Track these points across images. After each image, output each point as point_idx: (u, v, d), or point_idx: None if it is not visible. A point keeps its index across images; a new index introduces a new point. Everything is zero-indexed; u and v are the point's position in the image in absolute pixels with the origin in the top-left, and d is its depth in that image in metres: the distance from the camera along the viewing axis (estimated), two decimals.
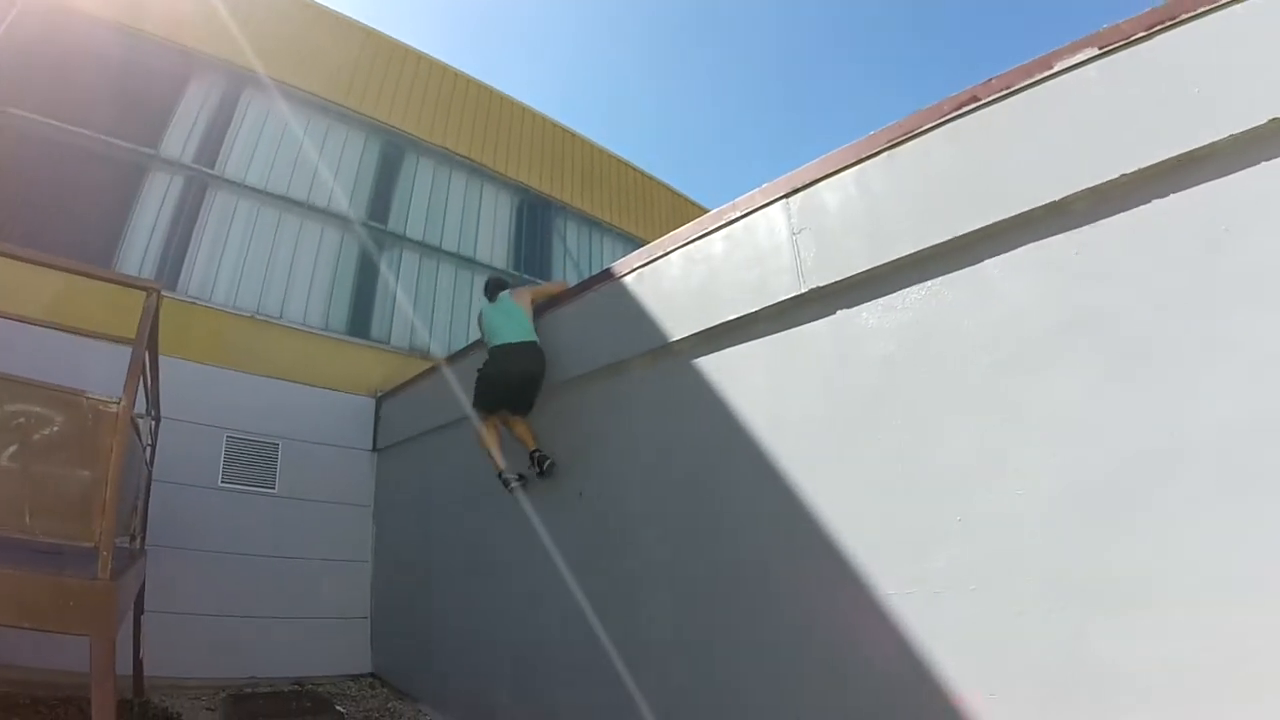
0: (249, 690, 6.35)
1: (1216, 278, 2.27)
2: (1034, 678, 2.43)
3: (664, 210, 13.72)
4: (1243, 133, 2.22)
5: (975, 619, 2.61)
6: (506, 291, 5.46)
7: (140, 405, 4.08)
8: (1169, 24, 2.41)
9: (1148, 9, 2.48)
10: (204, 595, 6.59)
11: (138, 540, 4.73)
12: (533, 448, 4.99)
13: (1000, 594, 2.56)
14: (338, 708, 6.07)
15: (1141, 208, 2.44)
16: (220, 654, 6.53)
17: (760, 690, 3.31)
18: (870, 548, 2.99)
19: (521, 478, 5.09)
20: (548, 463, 4.88)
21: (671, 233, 4.28)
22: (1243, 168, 2.24)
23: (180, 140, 8.10)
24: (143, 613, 5.34)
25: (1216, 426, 2.19)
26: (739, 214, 3.83)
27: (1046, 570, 2.47)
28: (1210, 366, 2.24)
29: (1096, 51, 2.56)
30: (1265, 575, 2.03)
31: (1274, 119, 2.16)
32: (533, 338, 5.10)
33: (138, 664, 5.35)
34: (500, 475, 5.12)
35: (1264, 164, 2.20)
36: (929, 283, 3.02)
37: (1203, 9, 2.35)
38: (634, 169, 13.63)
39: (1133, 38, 2.48)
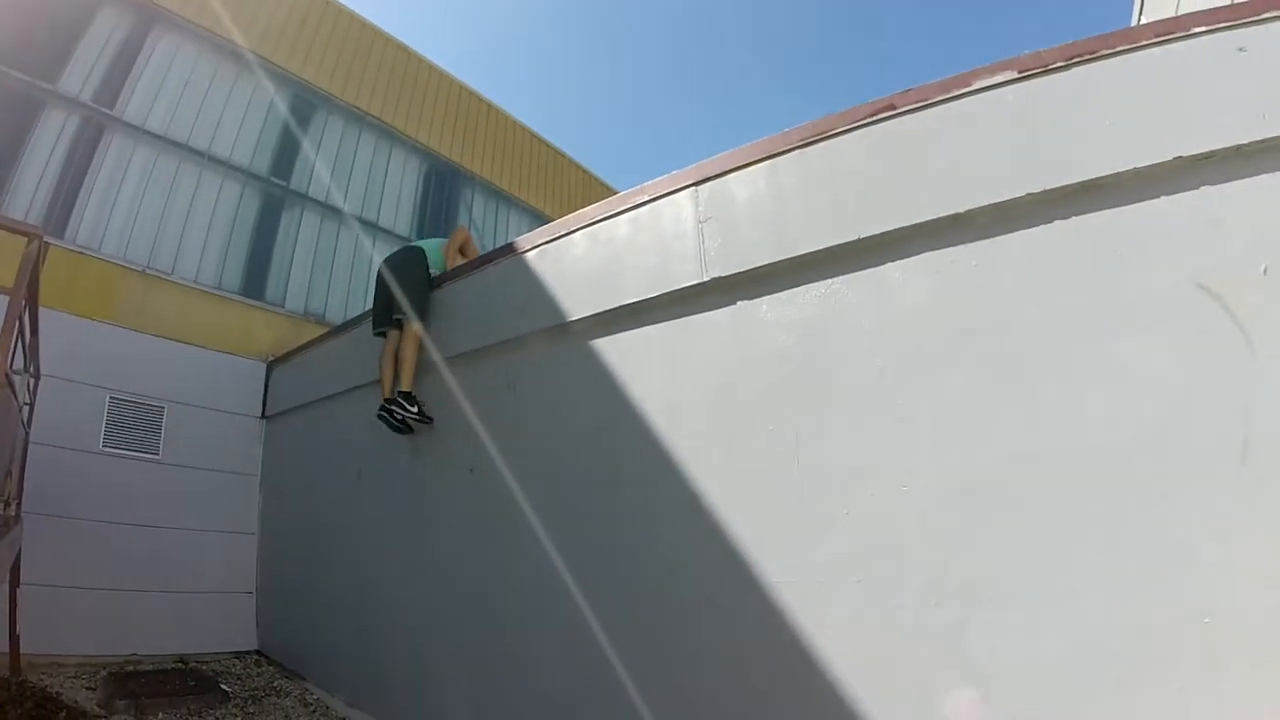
0: (130, 668, 5.69)
1: (1108, 301, 2.20)
2: (915, 669, 2.34)
3: (574, 188, 13.14)
4: (1147, 167, 2.15)
5: (858, 610, 2.50)
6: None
7: (18, 361, 3.60)
8: (1088, 58, 2.32)
9: (1069, 41, 2.39)
10: (83, 567, 5.84)
11: (13, 507, 4.13)
12: (385, 395, 4.71)
13: (883, 586, 2.45)
14: (223, 686, 5.54)
15: (1043, 227, 2.35)
16: (100, 630, 5.83)
17: (647, 667, 3.13)
18: (759, 536, 2.83)
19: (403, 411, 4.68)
20: (382, 411, 4.66)
21: (577, 212, 3.98)
22: (1144, 199, 2.18)
23: (81, 77, 7.04)
24: (18, 585, 4.69)
25: (1096, 441, 2.14)
26: (646, 198, 3.57)
27: (928, 566, 2.38)
28: (1095, 384, 2.18)
29: (1015, 75, 2.44)
30: (1131, 581, 2.00)
31: (1179, 157, 2.10)
32: (415, 245, 4.95)
33: (14, 640, 4.74)
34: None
35: (1164, 198, 2.15)
36: (829, 281, 2.86)
37: (1122, 48, 2.27)
38: (546, 144, 12.97)
39: (1051, 66, 2.38)
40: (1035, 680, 2.11)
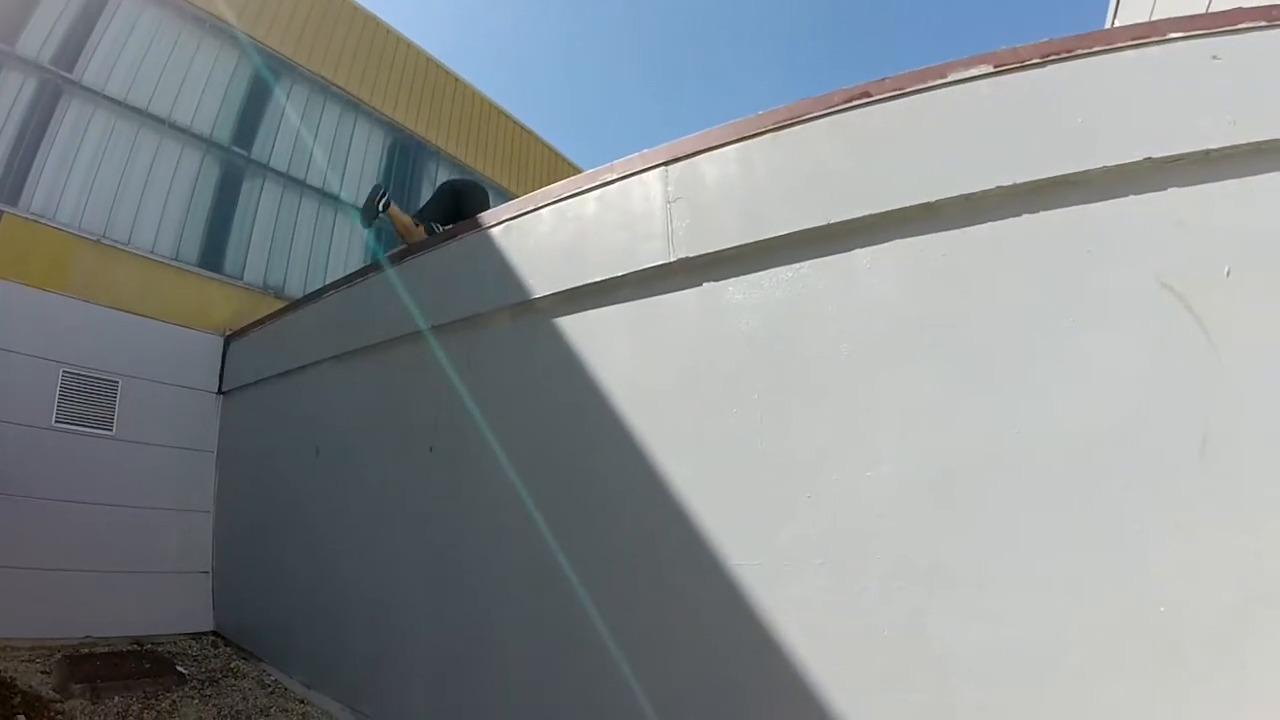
0: (86, 650, 5.37)
1: (1074, 297, 2.18)
2: (875, 654, 2.30)
3: (540, 167, 12.76)
4: (1117, 166, 2.13)
5: (820, 594, 2.45)
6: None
7: None
8: (1064, 56, 2.28)
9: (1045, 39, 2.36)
10: (35, 547, 5.49)
11: None
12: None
13: (844, 572, 2.41)
14: (179, 668, 5.28)
15: (1011, 220, 2.31)
16: (54, 611, 5.49)
17: (614, 647, 3.05)
18: (721, 518, 2.77)
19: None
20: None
21: (545, 188, 3.83)
22: (1112, 197, 2.15)
23: (39, 38, 6.52)
24: None
25: (1060, 434, 2.12)
26: (615, 176, 3.44)
27: (889, 552, 2.34)
28: (1059, 378, 2.16)
29: (991, 69, 2.40)
30: (1092, 572, 2.00)
31: (1148, 158, 2.09)
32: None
33: None
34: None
35: (1132, 197, 2.13)
36: (797, 265, 2.78)
37: (1098, 48, 2.24)
38: (514, 121, 12.55)
39: (1027, 62, 2.33)
40: (997, 667, 2.09)
